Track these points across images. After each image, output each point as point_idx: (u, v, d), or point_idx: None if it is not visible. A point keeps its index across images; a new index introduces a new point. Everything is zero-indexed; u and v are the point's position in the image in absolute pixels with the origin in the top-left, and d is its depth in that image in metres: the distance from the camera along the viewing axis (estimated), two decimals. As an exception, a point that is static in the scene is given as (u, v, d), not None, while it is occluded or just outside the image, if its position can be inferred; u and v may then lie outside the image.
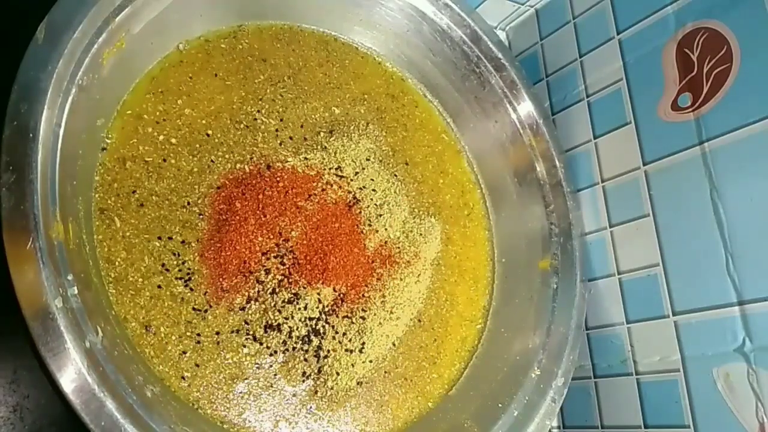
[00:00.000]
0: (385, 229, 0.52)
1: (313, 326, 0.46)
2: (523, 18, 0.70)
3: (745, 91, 0.46)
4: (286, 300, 0.46)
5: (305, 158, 0.50)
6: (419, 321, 0.53)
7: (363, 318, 0.49)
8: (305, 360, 0.45)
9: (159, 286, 0.42)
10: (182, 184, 0.45)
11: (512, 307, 0.57)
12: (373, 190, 0.53)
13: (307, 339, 0.46)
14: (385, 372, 0.50)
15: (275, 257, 0.46)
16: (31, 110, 0.36)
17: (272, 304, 0.45)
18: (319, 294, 0.47)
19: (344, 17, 0.58)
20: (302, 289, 0.46)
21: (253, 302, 0.45)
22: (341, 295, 0.48)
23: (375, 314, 0.49)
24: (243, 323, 0.44)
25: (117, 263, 0.41)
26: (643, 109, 0.54)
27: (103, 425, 0.33)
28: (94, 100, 0.41)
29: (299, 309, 0.46)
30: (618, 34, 0.57)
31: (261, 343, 0.44)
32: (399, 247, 0.53)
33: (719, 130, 0.48)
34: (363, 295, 0.49)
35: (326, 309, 0.47)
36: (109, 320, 0.38)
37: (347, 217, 0.50)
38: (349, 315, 0.48)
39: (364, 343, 0.48)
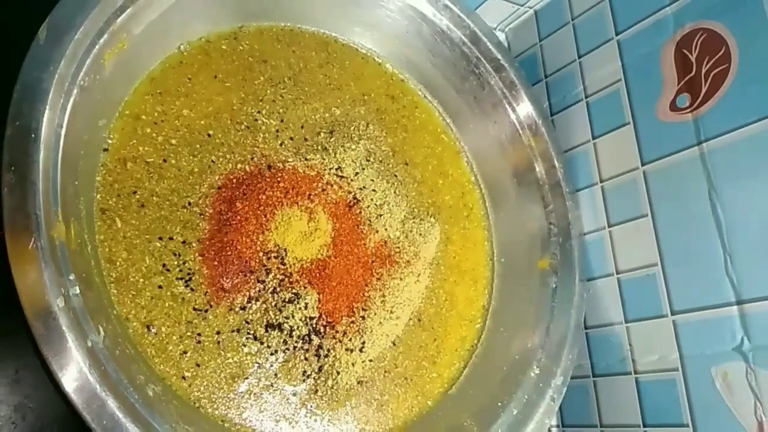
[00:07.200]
0: (385, 229, 0.52)
1: (314, 325, 0.46)
2: (522, 19, 0.70)
3: (744, 92, 0.46)
4: (286, 299, 0.46)
5: (306, 159, 0.51)
6: (419, 320, 0.53)
7: (363, 317, 0.49)
8: (306, 359, 0.46)
9: (160, 287, 0.42)
10: (183, 184, 0.45)
11: (511, 306, 0.57)
12: (373, 190, 0.53)
13: (307, 338, 0.46)
14: (385, 371, 0.50)
15: (276, 257, 0.46)
16: (33, 110, 0.35)
17: (273, 304, 0.45)
18: (319, 294, 0.47)
19: (344, 18, 0.58)
20: (303, 288, 0.46)
21: (253, 302, 0.45)
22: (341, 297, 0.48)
23: (375, 313, 0.49)
24: (244, 323, 0.44)
25: (118, 263, 0.41)
26: (641, 109, 0.54)
27: (105, 424, 0.33)
28: (95, 101, 0.41)
29: (300, 308, 0.46)
30: (617, 35, 0.57)
31: (262, 343, 0.44)
32: (399, 247, 0.53)
33: (717, 130, 0.48)
34: (363, 295, 0.49)
35: (326, 309, 0.47)
36: (111, 320, 0.38)
37: (347, 217, 0.51)
38: (350, 314, 0.48)
39: (364, 343, 0.48)
